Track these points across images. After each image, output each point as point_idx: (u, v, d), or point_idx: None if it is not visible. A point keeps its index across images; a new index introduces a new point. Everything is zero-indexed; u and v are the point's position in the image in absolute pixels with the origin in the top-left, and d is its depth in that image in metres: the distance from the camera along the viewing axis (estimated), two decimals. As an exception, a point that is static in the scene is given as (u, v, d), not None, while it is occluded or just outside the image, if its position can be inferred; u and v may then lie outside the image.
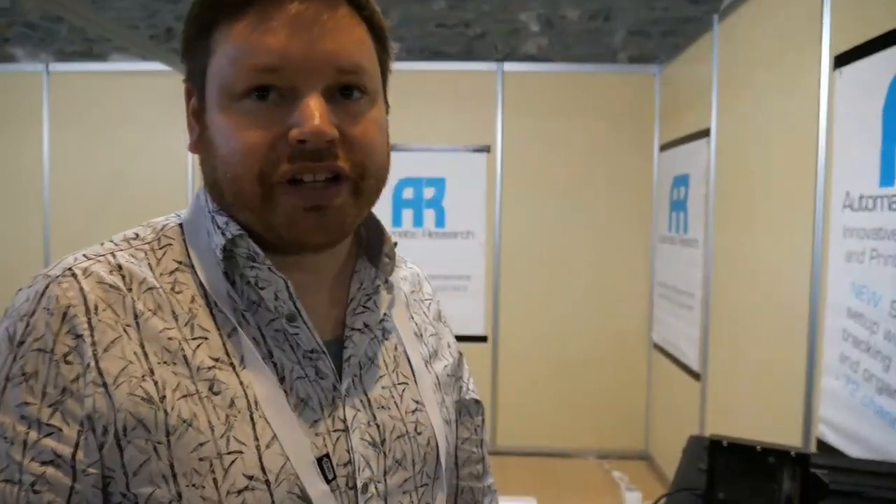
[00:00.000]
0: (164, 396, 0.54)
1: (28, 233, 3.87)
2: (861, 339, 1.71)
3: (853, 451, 1.71)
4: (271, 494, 0.55)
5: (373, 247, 0.69)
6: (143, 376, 0.54)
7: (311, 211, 0.57)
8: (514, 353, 3.81)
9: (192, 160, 3.65)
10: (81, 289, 0.55)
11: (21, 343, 0.53)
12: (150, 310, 0.56)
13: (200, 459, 0.53)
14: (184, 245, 0.62)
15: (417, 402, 0.67)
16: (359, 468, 0.60)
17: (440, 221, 3.81)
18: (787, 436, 1.99)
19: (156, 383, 0.54)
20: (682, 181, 3.24)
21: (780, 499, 1.09)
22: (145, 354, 0.54)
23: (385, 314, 0.68)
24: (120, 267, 0.58)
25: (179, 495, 0.53)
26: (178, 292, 0.58)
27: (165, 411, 0.53)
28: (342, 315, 0.65)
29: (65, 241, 3.79)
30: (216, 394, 0.55)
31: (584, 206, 3.77)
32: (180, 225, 0.64)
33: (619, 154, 3.74)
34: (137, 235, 0.62)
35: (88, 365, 0.53)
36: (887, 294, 1.61)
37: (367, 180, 0.60)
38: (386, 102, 0.66)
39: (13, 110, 3.89)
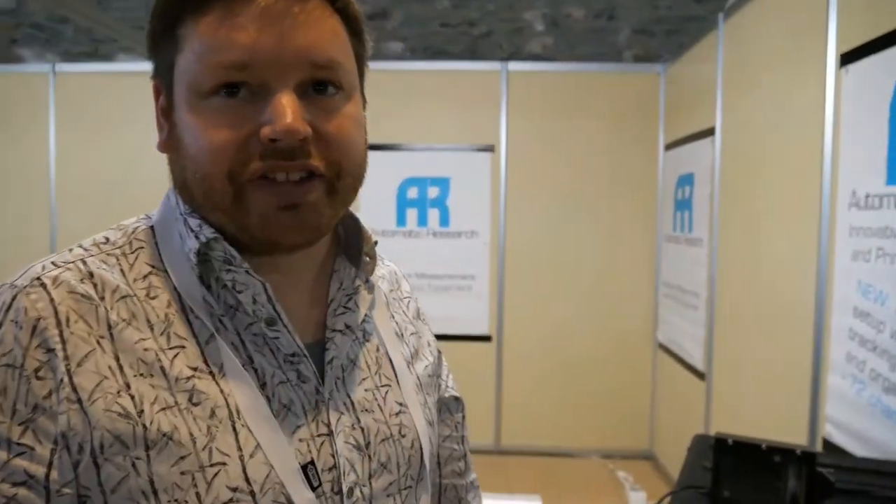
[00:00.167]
0: (141, 411, 0.51)
1: (34, 232, 3.89)
2: (867, 338, 1.70)
3: (859, 450, 1.70)
4: None
5: (351, 245, 0.67)
6: (118, 391, 0.51)
7: (285, 209, 0.56)
8: (519, 352, 3.80)
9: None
10: (52, 299, 0.52)
11: None
12: (124, 320, 0.54)
13: (182, 473, 0.51)
14: (155, 248, 0.60)
15: (401, 404, 0.66)
16: (344, 472, 0.58)
17: (444, 221, 3.80)
18: (793, 435, 1.98)
19: (132, 397, 0.51)
20: (686, 180, 3.23)
21: (786, 497, 1.09)
22: (120, 367, 0.52)
23: (366, 315, 0.66)
24: (91, 274, 0.55)
25: None
26: (152, 297, 0.56)
27: (144, 426, 0.51)
28: (322, 316, 0.63)
29: (71, 239, 3.67)
30: (196, 404, 0.53)
31: (588, 206, 3.76)
32: (151, 227, 0.62)
33: (623, 153, 3.73)
34: (108, 240, 0.60)
35: (62, 380, 0.50)
36: (894, 293, 1.61)
37: (344, 179, 0.58)
38: (363, 97, 0.64)
39: (20, 110, 3.91)
